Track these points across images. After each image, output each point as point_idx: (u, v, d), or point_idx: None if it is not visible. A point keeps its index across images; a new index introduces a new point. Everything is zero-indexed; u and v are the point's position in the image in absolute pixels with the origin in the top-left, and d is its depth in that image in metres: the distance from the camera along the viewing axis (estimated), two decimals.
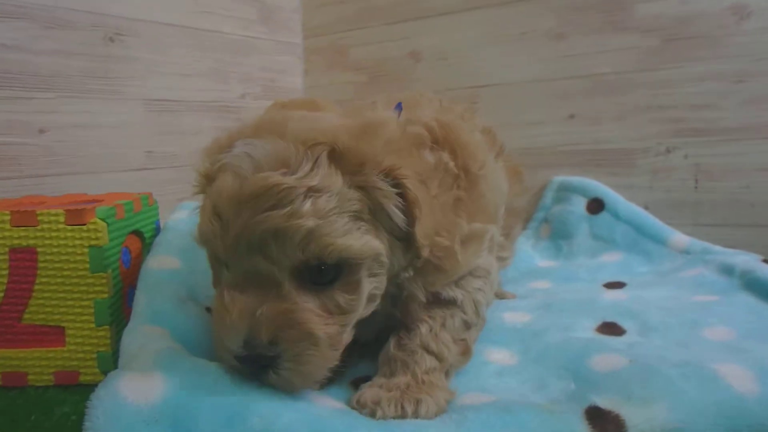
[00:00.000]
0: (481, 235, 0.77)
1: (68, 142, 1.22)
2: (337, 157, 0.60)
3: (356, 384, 0.71)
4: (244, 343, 0.58)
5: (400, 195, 0.62)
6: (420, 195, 0.63)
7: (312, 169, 0.59)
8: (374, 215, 0.62)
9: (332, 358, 0.62)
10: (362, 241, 0.60)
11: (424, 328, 0.71)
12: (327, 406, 0.63)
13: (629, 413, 0.60)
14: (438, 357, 0.70)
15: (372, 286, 0.64)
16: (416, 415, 0.63)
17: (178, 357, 0.65)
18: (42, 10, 1.16)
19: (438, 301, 0.73)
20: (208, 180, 0.64)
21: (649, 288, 1.05)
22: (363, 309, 0.65)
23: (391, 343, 0.71)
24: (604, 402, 0.62)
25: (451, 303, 0.74)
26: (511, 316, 0.94)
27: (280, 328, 0.58)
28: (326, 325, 0.60)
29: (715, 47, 1.22)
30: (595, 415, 0.60)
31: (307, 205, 0.57)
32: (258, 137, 0.62)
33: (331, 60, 1.75)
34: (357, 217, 0.61)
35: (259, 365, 0.59)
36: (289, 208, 0.56)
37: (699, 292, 1.00)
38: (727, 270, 1.03)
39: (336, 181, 0.60)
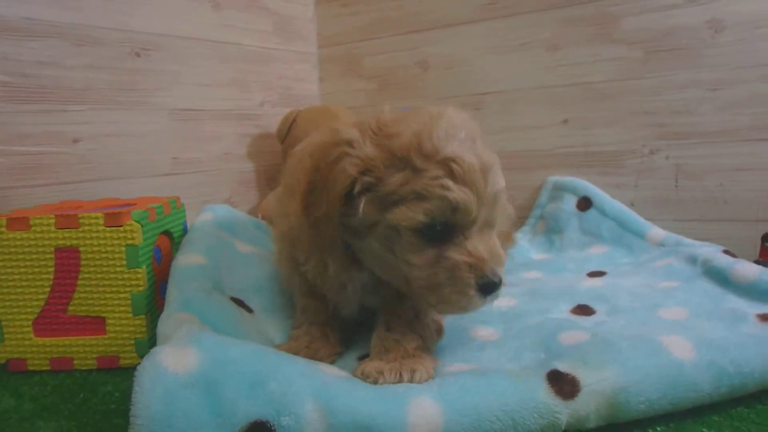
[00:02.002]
0: None
1: (100, 150, 1.28)
2: None
3: (362, 359, 0.80)
4: (497, 273, 0.72)
5: None
6: None
7: None
8: None
9: None
10: None
11: (409, 312, 0.81)
12: (333, 374, 0.71)
13: (584, 375, 0.68)
14: (421, 335, 0.80)
15: None
16: (411, 381, 0.71)
17: (208, 335, 0.72)
18: (73, 29, 1.23)
19: None
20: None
21: (625, 276, 1.13)
22: None
23: (382, 327, 0.81)
24: (563, 366, 0.70)
25: None
26: (499, 301, 0.99)
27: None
28: None
29: (693, 58, 1.30)
30: (554, 377, 0.68)
31: None
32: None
33: (344, 68, 1.83)
34: None
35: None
36: (500, 174, 0.74)
37: (666, 279, 1.08)
38: (692, 260, 1.11)
39: None
